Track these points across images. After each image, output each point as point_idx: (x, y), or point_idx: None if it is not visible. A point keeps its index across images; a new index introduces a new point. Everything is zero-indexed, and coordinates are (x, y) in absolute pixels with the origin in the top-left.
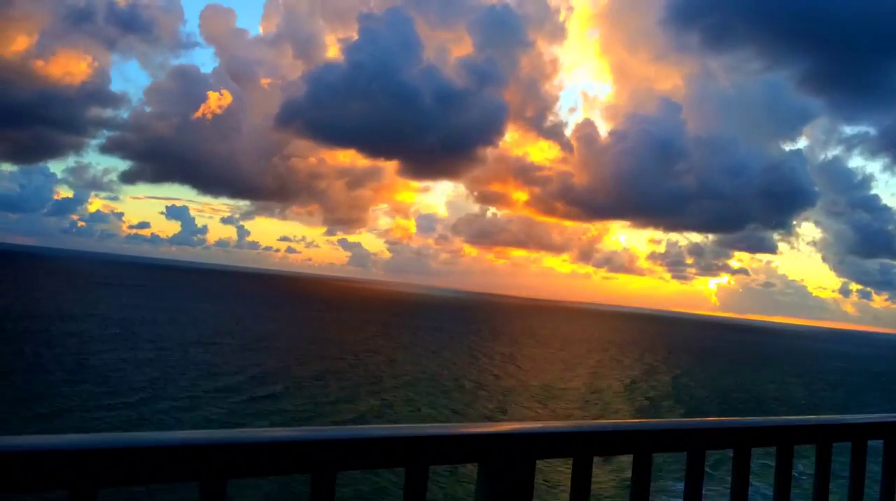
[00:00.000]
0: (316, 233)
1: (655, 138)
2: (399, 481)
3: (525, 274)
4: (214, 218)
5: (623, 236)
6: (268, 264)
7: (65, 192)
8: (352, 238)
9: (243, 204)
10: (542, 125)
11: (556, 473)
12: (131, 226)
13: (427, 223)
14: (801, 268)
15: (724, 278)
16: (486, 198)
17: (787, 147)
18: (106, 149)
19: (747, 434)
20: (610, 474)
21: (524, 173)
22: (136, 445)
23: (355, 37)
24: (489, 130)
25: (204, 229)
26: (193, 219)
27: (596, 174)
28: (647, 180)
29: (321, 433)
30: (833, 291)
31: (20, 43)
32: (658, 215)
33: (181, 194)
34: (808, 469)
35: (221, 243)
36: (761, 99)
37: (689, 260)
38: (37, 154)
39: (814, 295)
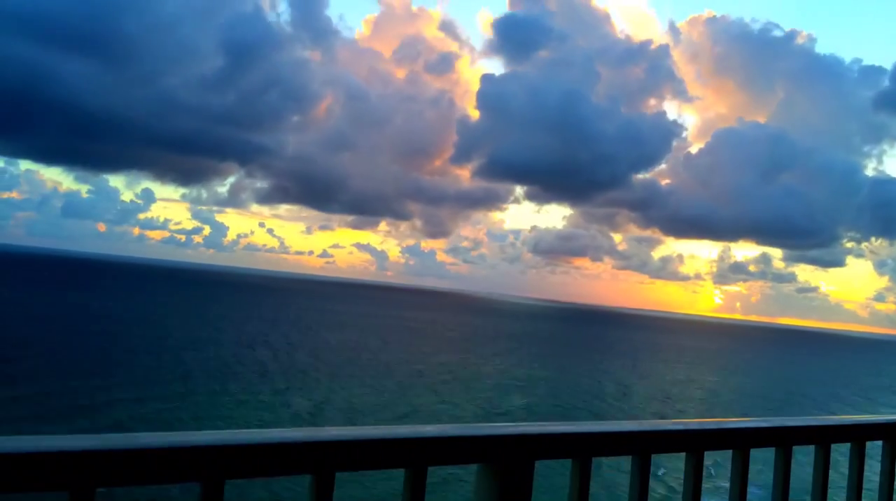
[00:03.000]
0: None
1: (758, 159)
2: (399, 482)
3: (562, 279)
4: (286, 227)
5: (692, 248)
6: (279, 267)
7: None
8: (376, 244)
9: (344, 217)
10: (657, 153)
11: (555, 474)
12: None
13: (502, 236)
14: (850, 277)
15: (749, 284)
16: (593, 218)
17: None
18: (250, 172)
19: (746, 435)
20: (609, 475)
21: (637, 196)
22: (135, 446)
23: (517, 68)
24: (643, 159)
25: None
26: (222, 224)
27: (698, 193)
28: (748, 199)
29: (320, 433)
30: (867, 298)
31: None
32: (750, 231)
33: (294, 211)
34: (807, 469)
35: (252, 247)
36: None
37: (749, 270)
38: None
39: (861, 301)
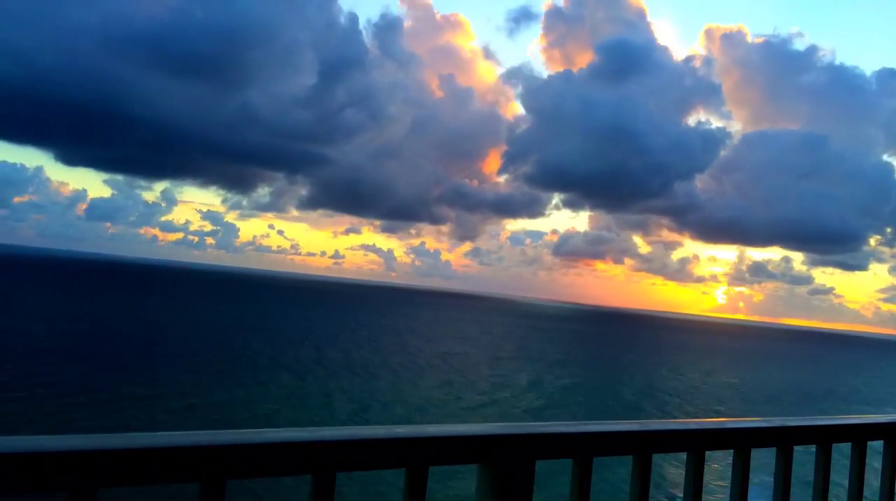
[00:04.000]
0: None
1: (786, 164)
2: (399, 482)
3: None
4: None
5: (714, 251)
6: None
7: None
8: (387, 245)
9: (374, 221)
10: (704, 163)
11: (555, 474)
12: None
13: (520, 239)
14: (859, 279)
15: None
16: (627, 223)
17: None
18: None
19: (747, 435)
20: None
21: (672, 203)
22: (135, 446)
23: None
24: (691, 168)
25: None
26: (239, 227)
27: (727, 199)
28: (776, 204)
29: (321, 433)
30: (874, 299)
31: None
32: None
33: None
34: (808, 469)
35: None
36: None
37: (769, 271)
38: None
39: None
